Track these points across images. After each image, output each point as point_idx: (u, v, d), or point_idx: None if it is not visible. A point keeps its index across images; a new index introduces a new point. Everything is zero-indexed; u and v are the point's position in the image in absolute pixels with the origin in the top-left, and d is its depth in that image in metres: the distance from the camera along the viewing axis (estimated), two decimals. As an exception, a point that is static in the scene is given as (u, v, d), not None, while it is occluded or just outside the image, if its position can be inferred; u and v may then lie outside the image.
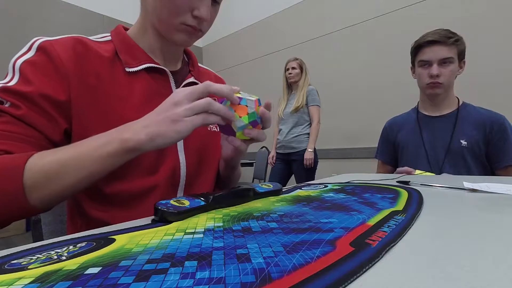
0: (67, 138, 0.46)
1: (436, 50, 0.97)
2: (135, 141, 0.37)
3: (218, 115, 0.40)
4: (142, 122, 0.39)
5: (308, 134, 2.08)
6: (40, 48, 0.44)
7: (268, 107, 0.45)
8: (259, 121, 0.44)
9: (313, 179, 2.03)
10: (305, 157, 2.01)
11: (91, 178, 0.38)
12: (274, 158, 2.23)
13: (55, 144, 0.44)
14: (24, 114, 0.40)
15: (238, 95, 0.43)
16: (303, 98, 2.05)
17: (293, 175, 2.19)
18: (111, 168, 0.39)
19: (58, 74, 0.43)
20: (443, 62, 0.97)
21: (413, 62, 1.07)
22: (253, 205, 0.40)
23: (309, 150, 2.01)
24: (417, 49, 1.03)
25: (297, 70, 2.11)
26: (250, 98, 0.43)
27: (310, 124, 2.09)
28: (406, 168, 0.95)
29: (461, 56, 0.99)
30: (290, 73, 2.12)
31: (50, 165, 0.36)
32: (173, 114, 0.37)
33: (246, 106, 0.42)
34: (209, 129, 0.60)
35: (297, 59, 2.15)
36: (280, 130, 2.17)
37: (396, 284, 0.16)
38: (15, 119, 0.40)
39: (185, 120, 0.37)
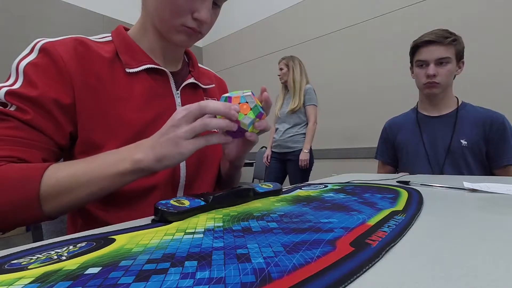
0: (72, 141, 0.46)
1: (433, 50, 0.97)
2: (146, 163, 0.39)
3: (220, 132, 0.42)
4: (150, 142, 0.40)
5: (305, 134, 2.05)
6: (42, 50, 0.44)
7: (265, 94, 0.46)
8: (262, 111, 0.44)
9: (307, 180, 2.01)
10: (300, 158, 1.98)
11: (102, 192, 0.40)
12: (269, 157, 2.19)
13: (62, 148, 0.45)
14: (31, 118, 0.41)
15: (233, 95, 0.43)
16: (300, 99, 2.01)
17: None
18: (122, 185, 0.40)
19: (61, 76, 0.44)
20: (440, 62, 0.97)
21: (411, 62, 1.08)
22: (253, 205, 0.40)
23: (305, 151, 1.98)
24: (414, 49, 1.03)
25: (285, 70, 2.10)
26: (246, 94, 0.43)
27: (307, 124, 2.07)
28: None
29: (459, 56, 0.99)
30: (278, 74, 2.13)
31: (64, 179, 0.38)
32: (174, 137, 0.38)
33: (246, 102, 0.42)
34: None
35: (284, 58, 2.14)
36: (276, 129, 2.15)
37: (396, 284, 0.16)
38: (23, 124, 0.40)
39: (187, 142, 0.39)
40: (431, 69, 0.97)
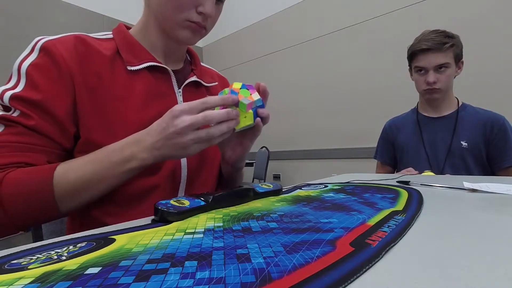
0: (76, 141, 0.47)
1: (431, 57, 0.95)
2: (151, 161, 0.42)
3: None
4: (151, 141, 0.41)
5: None
6: (43, 49, 0.44)
7: (261, 85, 0.48)
8: (262, 103, 0.46)
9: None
10: None
11: (110, 189, 0.43)
12: None
13: (67, 151, 0.46)
14: (35, 124, 0.41)
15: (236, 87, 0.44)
16: None
17: None
18: (127, 179, 0.44)
19: (62, 77, 0.44)
20: (439, 68, 0.96)
21: (410, 66, 1.07)
22: (253, 205, 0.40)
23: None
24: (412, 55, 1.02)
25: None
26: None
27: None
28: (410, 169, 0.95)
29: (457, 58, 0.97)
30: None
31: (76, 182, 0.40)
32: (183, 144, 0.41)
33: (247, 89, 0.44)
34: None
35: None
36: None
37: (396, 284, 0.16)
38: (27, 129, 0.41)
39: (194, 145, 0.41)
40: (431, 76, 0.96)
